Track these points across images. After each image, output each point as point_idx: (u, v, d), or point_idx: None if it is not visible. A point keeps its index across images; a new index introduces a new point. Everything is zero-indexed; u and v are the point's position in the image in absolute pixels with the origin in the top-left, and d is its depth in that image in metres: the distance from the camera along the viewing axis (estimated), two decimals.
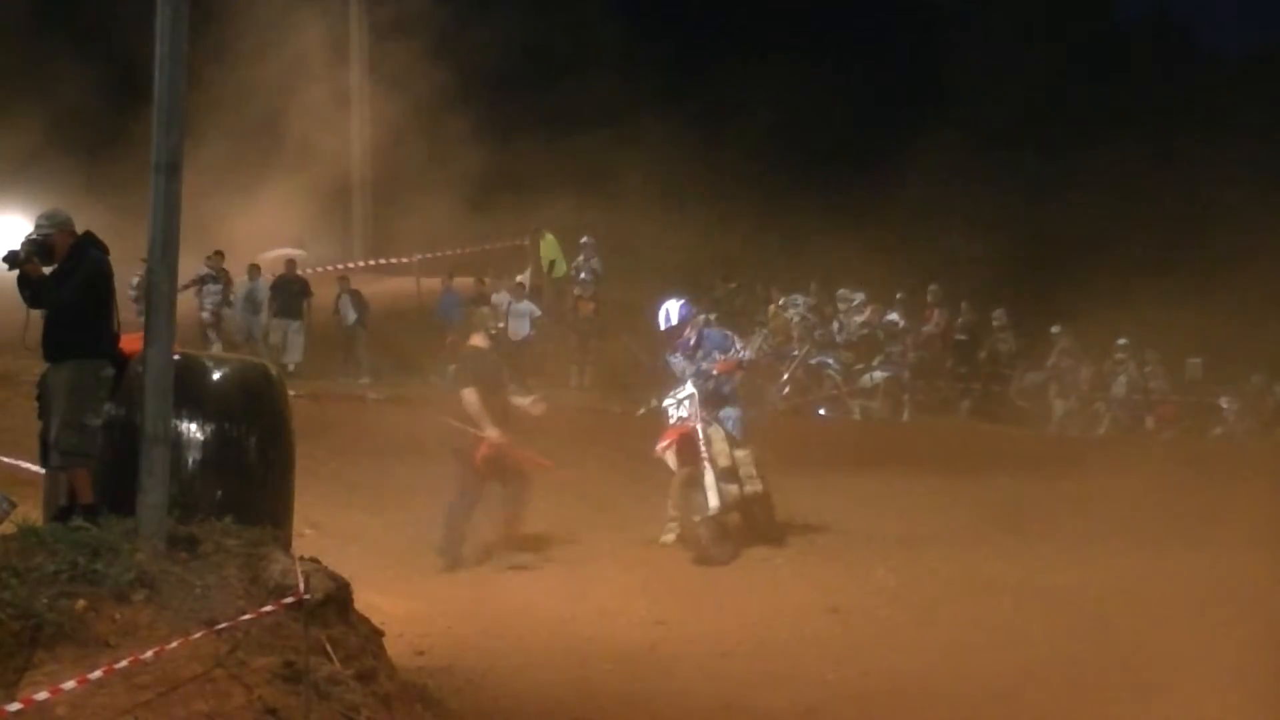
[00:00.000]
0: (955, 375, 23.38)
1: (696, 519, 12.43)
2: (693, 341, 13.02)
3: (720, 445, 12.54)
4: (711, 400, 12.82)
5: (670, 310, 13.05)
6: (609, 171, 27.05)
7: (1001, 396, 23.76)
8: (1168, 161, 28.94)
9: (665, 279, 24.40)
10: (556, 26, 29.32)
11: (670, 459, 12.50)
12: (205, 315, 22.56)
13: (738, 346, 13.23)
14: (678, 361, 13.07)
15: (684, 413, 12.61)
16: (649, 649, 10.21)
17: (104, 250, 8.30)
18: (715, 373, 12.85)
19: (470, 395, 12.64)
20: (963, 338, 23.69)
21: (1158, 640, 10.33)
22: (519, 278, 24.92)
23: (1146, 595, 11.42)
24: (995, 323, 24.11)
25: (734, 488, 12.56)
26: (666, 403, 12.75)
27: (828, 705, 9.15)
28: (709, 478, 12.38)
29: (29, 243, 8.18)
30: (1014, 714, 9.06)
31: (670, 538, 12.77)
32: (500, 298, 23.46)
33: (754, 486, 12.74)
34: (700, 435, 12.53)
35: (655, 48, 29.56)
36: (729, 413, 12.85)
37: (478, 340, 13.15)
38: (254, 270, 23.50)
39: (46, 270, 8.17)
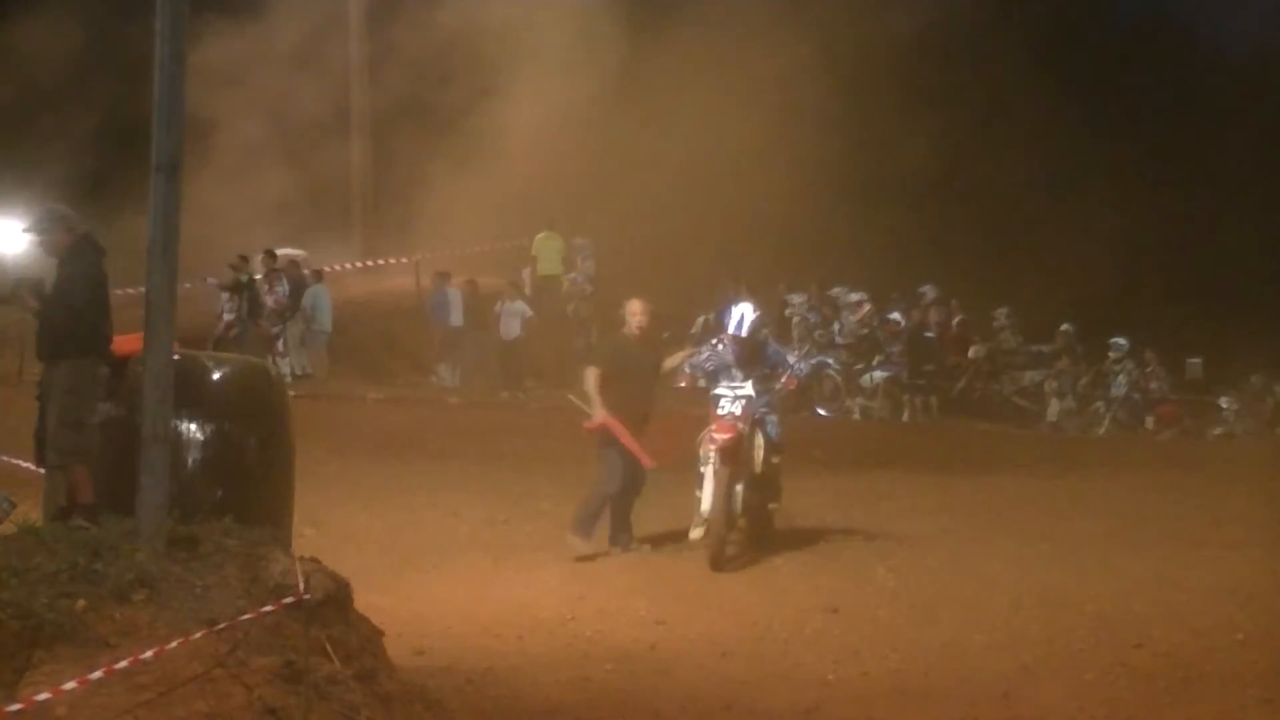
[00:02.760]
0: (922, 374, 23.26)
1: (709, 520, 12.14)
2: (747, 351, 12.61)
3: (759, 452, 12.37)
4: (758, 405, 12.54)
5: (746, 316, 12.61)
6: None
7: (999, 396, 23.79)
8: (1168, 161, 28.94)
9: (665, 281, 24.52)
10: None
11: (712, 452, 12.12)
12: (228, 318, 22.37)
13: (794, 362, 13.31)
14: (722, 358, 12.68)
15: (736, 409, 12.26)
16: (649, 649, 10.21)
17: (101, 253, 8.33)
18: (776, 388, 12.78)
19: (590, 374, 12.82)
20: (930, 335, 23.70)
21: (1158, 640, 10.33)
22: (525, 274, 25.03)
23: (1146, 595, 11.42)
24: (995, 323, 24.13)
25: (757, 497, 12.39)
26: (720, 391, 12.41)
27: (828, 705, 9.15)
28: (737, 483, 12.15)
29: (19, 282, 8.24)
30: (1014, 714, 9.06)
31: (699, 533, 12.40)
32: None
33: (775, 502, 12.69)
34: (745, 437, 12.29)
35: None
36: (771, 419, 12.65)
37: (626, 326, 13.12)
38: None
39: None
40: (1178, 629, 10.55)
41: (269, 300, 22.87)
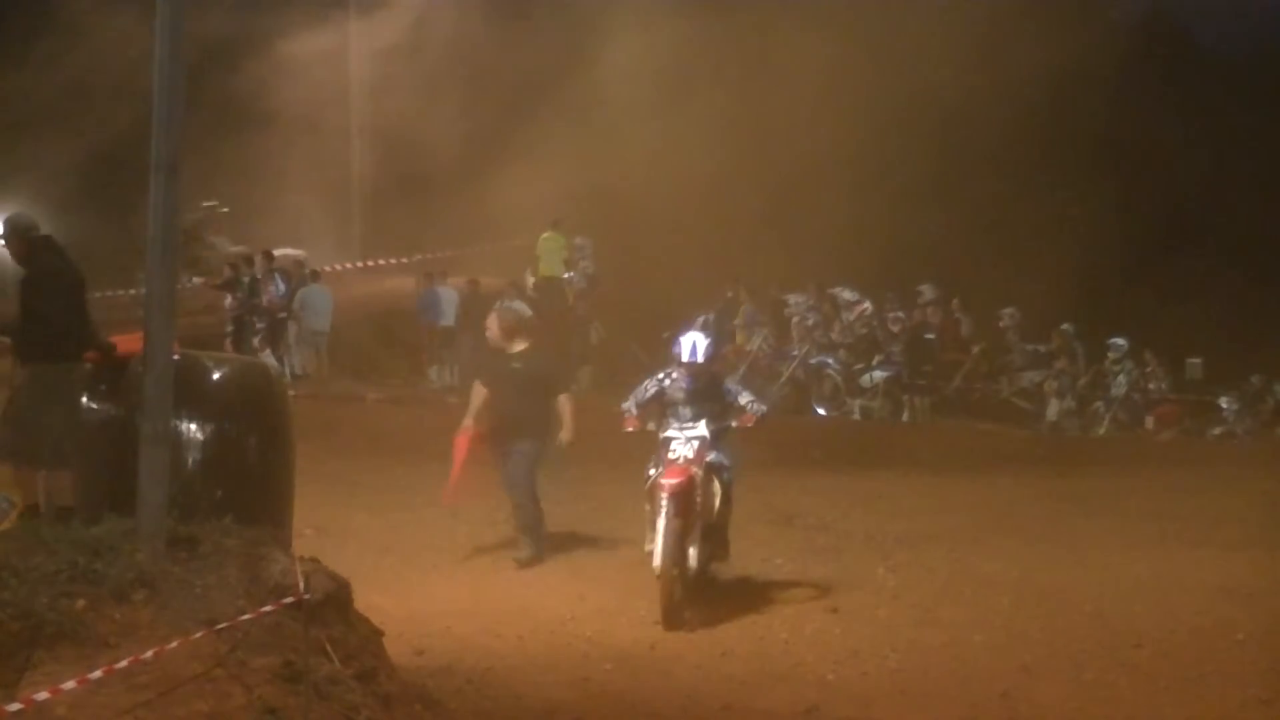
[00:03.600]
0: (922, 374, 23.31)
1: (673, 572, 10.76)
2: (700, 384, 11.32)
3: (712, 501, 11.07)
4: (713, 447, 11.26)
5: (698, 344, 11.35)
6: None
7: (998, 396, 23.81)
8: (1166, 161, 28.94)
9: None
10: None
11: (663, 500, 10.76)
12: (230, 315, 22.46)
13: (750, 400, 11.48)
14: (677, 389, 11.36)
15: (689, 452, 11.00)
16: (649, 649, 10.21)
17: (59, 253, 8.33)
18: (735, 425, 11.35)
19: (475, 387, 12.88)
20: (930, 336, 23.74)
21: (1158, 640, 10.34)
22: (527, 275, 25.06)
23: (1146, 595, 11.42)
24: (1002, 322, 24.15)
25: (707, 551, 11.10)
26: (671, 434, 11.12)
27: (828, 705, 9.14)
28: (694, 534, 10.86)
29: None
30: (1014, 714, 9.06)
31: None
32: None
33: (722, 558, 11.42)
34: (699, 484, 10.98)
35: None
36: (726, 463, 11.29)
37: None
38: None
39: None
40: (1178, 629, 10.56)
41: (263, 298, 22.90)
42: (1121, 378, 23.26)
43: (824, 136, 26.88)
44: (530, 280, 25.59)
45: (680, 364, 11.28)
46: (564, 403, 12.68)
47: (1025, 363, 23.92)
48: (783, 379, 22.41)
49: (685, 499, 10.77)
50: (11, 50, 26.58)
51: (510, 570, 12.28)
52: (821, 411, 22.17)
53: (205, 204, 26.11)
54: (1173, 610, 10.98)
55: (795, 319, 23.81)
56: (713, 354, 11.52)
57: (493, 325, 13.07)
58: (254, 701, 6.62)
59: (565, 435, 12.58)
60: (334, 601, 7.50)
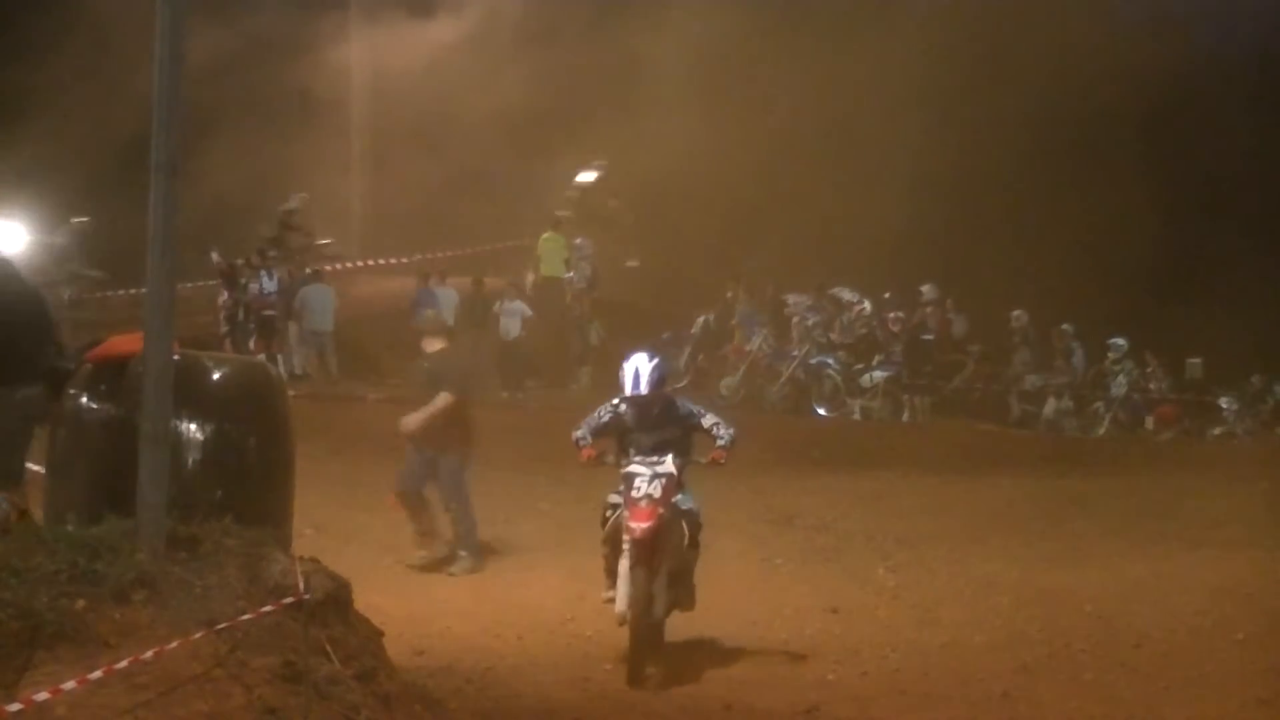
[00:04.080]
0: (921, 374, 23.33)
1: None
2: (656, 411, 10.19)
3: (676, 542, 9.98)
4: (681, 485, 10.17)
5: (641, 372, 10.09)
6: None
7: (999, 396, 23.83)
8: (1165, 160, 28.94)
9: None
10: None
11: (629, 546, 9.74)
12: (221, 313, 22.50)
13: (714, 424, 10.27)
14: (630, 418, 10.24)
15: (655, 491, 9.80)
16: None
17: (6, 264, 8.30)
18: (703, 462, 10.20)
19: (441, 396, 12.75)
20: (928, 336, 23.77)
21: (1158, 640, 10.34)
22: (529, 275, 25.10)
23: (1146, 595, 11.43)
24: (1015, 323, 24.17)
25: (671, 599, 10.03)
26: (634, 469, 9.90)
27: (828, 705, 9.15)
28: (660, 581, 9.81)
29: None
30: (1014, 714, 9.06)
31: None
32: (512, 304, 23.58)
33: (687, 606, 10.23)
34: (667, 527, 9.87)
35: None
36: (689, 503, 10.15)
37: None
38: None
39: None
40: (1178, 629, 10.57)
41: (253, 291, 22.93)
42: (1121, 378, 23.26)
43: (821, 136, 26.89)
44: (531, 281, 25.61)
45: (625, 396, 10.11)
46: (437, 401, 12.54)
47: (1027, 367, 23.95)
48: (783, 379, 22.39)
49: (653, 545, 9.68)
50: (53, 39, 26.51)
51: (511, 570, 12.30)
52: (821, 411, 22.15)
53: (298, 194, 26.14)
54: (1173, 610, 10.98)
55: (795, 319, 23.80)
56: (660, 379, 10.17)
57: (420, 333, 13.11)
58: (254, 701, 6.62)
59: (406, 420, 12.59)
60: (334, 601, 7.50)
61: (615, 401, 10.22)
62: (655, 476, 9.85)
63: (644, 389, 10.04)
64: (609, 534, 10.00)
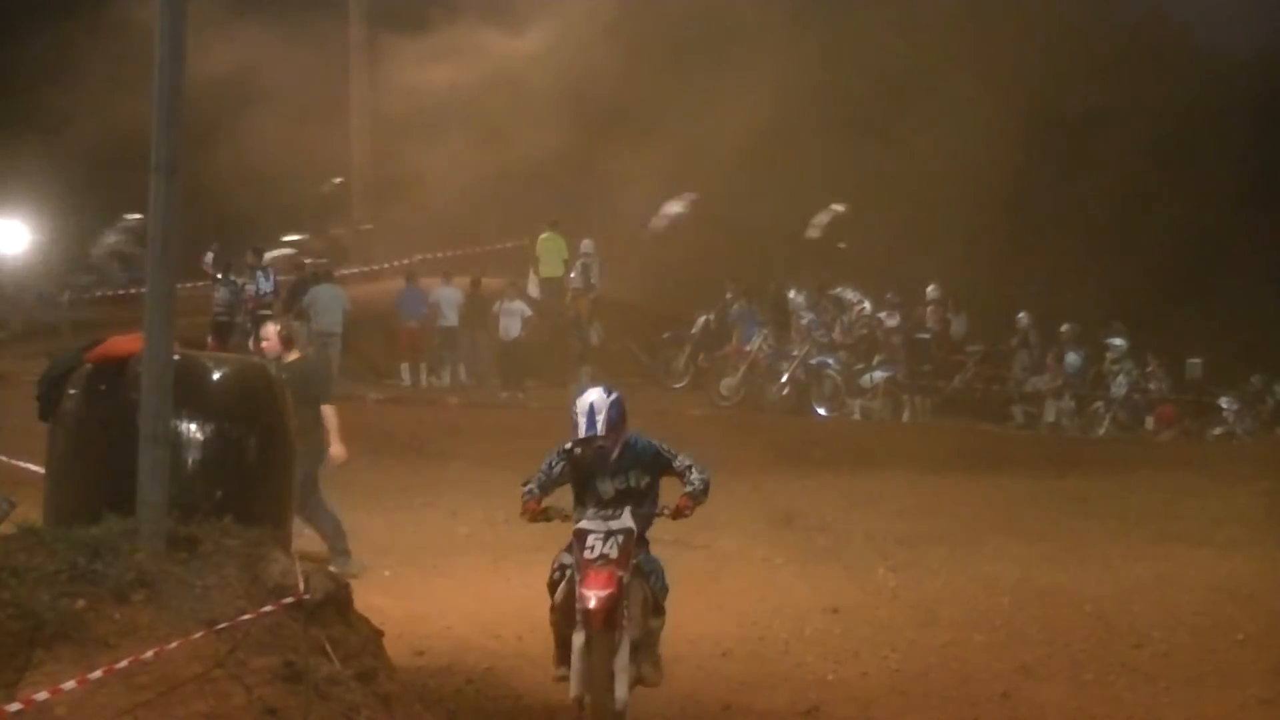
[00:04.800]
0: (921, 374, 23.36)
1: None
2: (615, 454, 8.53)
3: (638, 610, 8.48)
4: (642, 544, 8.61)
5: (596, 411, 8.47)
6: None
7: (1000, 396, 23.85)
8: (1165, 160, 28.96)
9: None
10: None
11: (583, 618, 8.29)
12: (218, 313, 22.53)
13: (690, 467, 8.59)
14: (587, 462, 8.57)
15: (613, 551, 8.30)
16: None
17: None
18: (665, 513, 8.57)
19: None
20: (925, 336, 23.79)
21: (1158, 640, 10.34)
22: (530, 275, 25.12)
23: (1146, 595, 11.43)
24: (1020, 324, 24.20)
25: (635, 675, 8.46)
26: (587, 525, 8.42)
27: (828, 705, 9.16)
28: (622, 657, 8.30)
29: None
30: (1014, 714, 9.07)
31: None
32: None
33: (653, 681, 8.65)
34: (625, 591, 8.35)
35: None
36: (652, 562, 8.65)
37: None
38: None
39: None
40: (1178, 629, 10.58)
41: (249, 292, 22.95)
42: (1121, 378, 23.27)
43: (823, 135, 26.90)
44: (532, 281, 25.62)
45: (578, 439, 8.47)
46: (328, 415, 12.21)
47: (1027, 371, 23.97)
48: (783, 379, 22.40)
49: (611, 616, 8.26)
50: (90, 32, 26.51)
51: (511, 570, 12.28)
52: (821, 411, 22.16)
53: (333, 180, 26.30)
54: (1173, 610, 10.99)
55: (795, 316, 23.81)
56: (619, 417, 8.47)
57: (271, 335, 12.61)
58: (254, 701, 6.63)
59: (334, 450, 12.20)
60: (334, 602, 7.50)
61: (567, 446, 8.55)
62: (611, 534, 8.35)
63: (600, 429, 8.41)
64: (559, 602, 8.53)
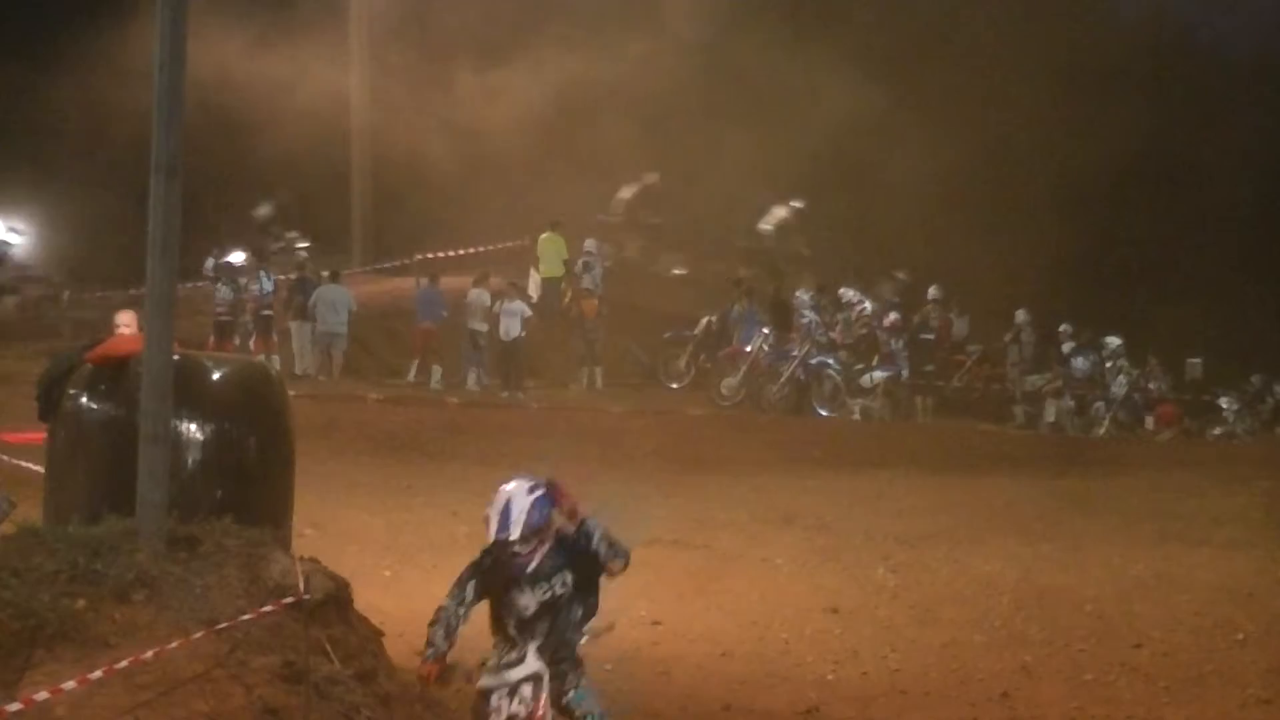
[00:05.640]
0: (922, 374, 23.39)
1: None
2: (534, 564, 6.84)
3: None
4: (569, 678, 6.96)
5: (513, 506, 6.83)
6: None
7: (1002, 396, 23.86)
8: (1165, 160, 28.96)
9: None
10: None
11: None
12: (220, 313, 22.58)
13: (608, 550, 6.83)
14: (505, 573, 6.91)
15: (520, 710, 6.81)
16: (649, 649, 10.21)
17: None
18: (597, 632, 7.11)
19: None
20: (928, 336, 23.81)
21: (1158, 640, 10.34)
22: (532, 275, 25.12)
23: (1146, 595, 11.43)
24: (1017, 320, 24.21)
25: None
26: (489, 682, 6.91)
27: (828, 705, 9.16)
28: None
29: None
30: (1014, 714, 9.07)
31: None
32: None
33: None
34: None
35: None
36: (586, 702, 6.98)
37: None
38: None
39: None
40: (1178, 629, 10.57)
41: (251, 292, 22.98)
42: (1121, 378, 23.25)
43: (822, 132, 26.90)
44: (532, 280, 25.61)
45: (491, 543, 6.85)
46: None
47: (1020, 367, 23.98)
48: (783, 379, 22.39)
49: None
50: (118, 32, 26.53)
51: None
52: (822, 411, 22.15)
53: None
54: (1173, 610, 10.98)
55: (797, 315, 23.82)
56: (541, 520, 6.79)
57: (133, 324, 11.69)
58: (254, 701, 6.63)
59: None
60: (334, 601, 7.51)
61: (478, 557, 7.01)
62: (515, 689, 6.85)
63: (513, 533, 6.76)
64: None
